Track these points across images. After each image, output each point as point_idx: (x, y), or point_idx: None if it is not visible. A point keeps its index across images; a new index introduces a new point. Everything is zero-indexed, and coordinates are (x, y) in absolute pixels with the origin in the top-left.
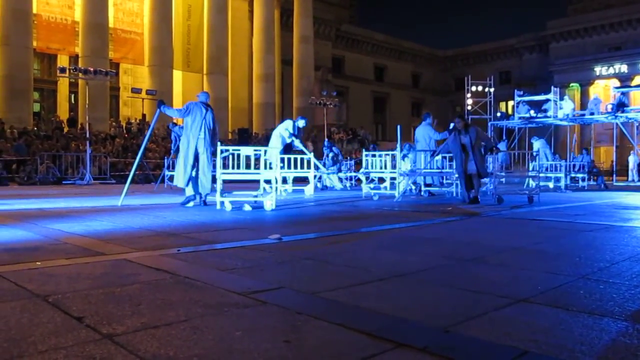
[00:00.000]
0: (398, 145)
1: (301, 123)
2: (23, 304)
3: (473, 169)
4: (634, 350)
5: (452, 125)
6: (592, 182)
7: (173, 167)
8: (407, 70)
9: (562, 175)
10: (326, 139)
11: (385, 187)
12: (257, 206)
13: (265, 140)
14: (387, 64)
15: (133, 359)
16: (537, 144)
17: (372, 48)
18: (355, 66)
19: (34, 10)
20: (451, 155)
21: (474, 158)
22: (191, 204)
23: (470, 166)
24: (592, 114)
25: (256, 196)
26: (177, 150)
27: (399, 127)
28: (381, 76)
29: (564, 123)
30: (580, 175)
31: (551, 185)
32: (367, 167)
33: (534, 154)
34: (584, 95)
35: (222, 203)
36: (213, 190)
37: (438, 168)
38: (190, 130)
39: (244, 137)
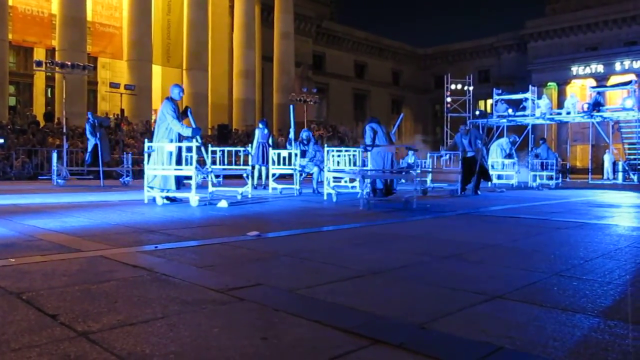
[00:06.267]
0: (292, 129)
1: (175, 93)
2: None
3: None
4: (604, 345)
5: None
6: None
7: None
8: (387, 68)
9: (513, 173)
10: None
11: (354, 187)
12: (235, 202)
13: (245, 137)
14: (368, 61)
15: (108, 357)
16: (501, 142)
17: (352, 45)
18: (336, 63)
19: (10, 2)
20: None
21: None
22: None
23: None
24: (568, 113)
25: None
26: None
27: (291, 107)
28: (361, 73)
29: (541, 121)
30: (546, 174)
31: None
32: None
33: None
34: (561, 94)
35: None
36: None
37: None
38: None
39: (224, 133)
